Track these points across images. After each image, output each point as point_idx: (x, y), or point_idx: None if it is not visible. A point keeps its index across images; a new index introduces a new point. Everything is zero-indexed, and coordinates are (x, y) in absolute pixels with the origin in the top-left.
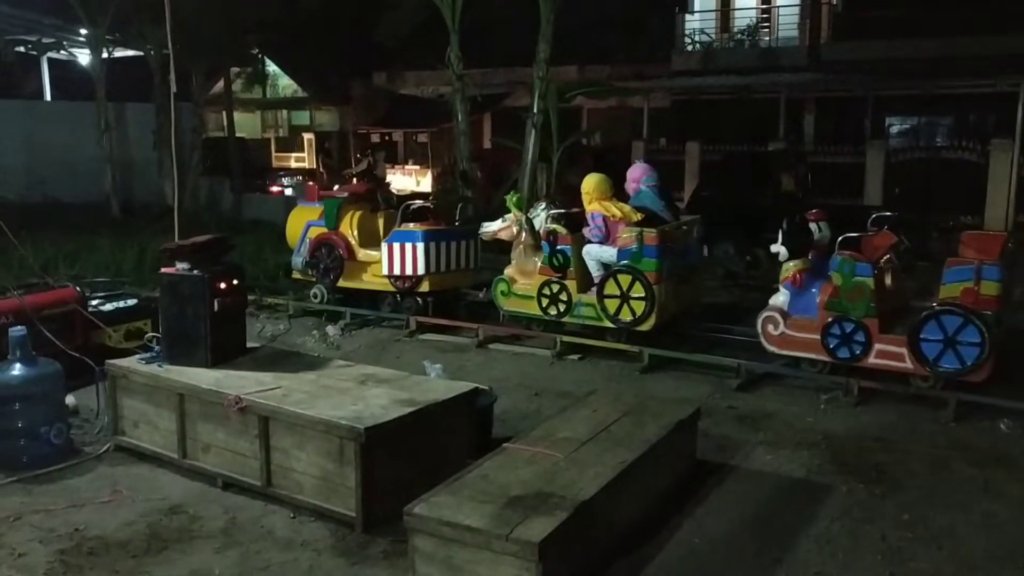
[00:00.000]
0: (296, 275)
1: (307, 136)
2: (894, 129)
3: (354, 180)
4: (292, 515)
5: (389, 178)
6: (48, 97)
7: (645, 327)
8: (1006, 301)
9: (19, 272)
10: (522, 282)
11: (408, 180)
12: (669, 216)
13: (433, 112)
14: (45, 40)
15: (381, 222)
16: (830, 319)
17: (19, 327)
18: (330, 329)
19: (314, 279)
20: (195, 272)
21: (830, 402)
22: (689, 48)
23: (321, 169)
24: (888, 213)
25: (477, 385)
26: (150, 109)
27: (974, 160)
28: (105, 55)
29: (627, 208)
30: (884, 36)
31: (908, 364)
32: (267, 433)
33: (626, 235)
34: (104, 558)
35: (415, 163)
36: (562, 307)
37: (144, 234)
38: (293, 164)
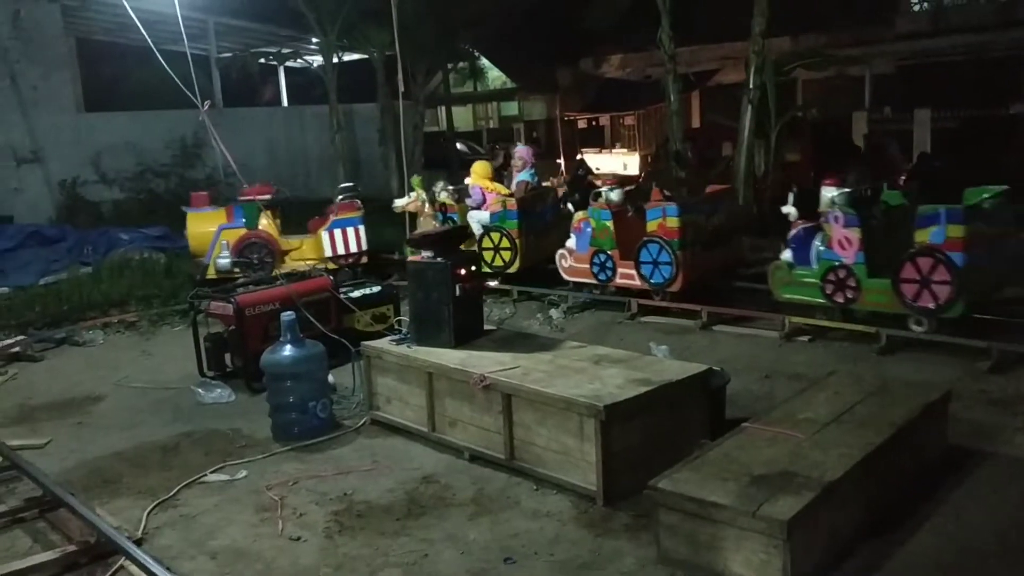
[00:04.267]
0: (213, 275)
1: (516, 126)
2: None
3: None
4: (535, 487)
5: (595, 162)
6: (285, 103)
7: (512, 270)
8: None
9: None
10: None
11: (615, 163)
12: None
13: (640, 94)
14: (284, 51)
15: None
16: (593, 252)
17: (289, 312)
18: (553, 312)
19: (239, 276)
20: (439, 260)
21: None
22: (916, 8)
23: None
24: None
25: (711, 366)
26: (374, 109)
27: None
28: (335, 60)
29: (500, 187)
30: None
31: (637, 282)
32: (510, 409)
33: (495, 203)
34: (371, 520)
35: (622, 146)
36: None
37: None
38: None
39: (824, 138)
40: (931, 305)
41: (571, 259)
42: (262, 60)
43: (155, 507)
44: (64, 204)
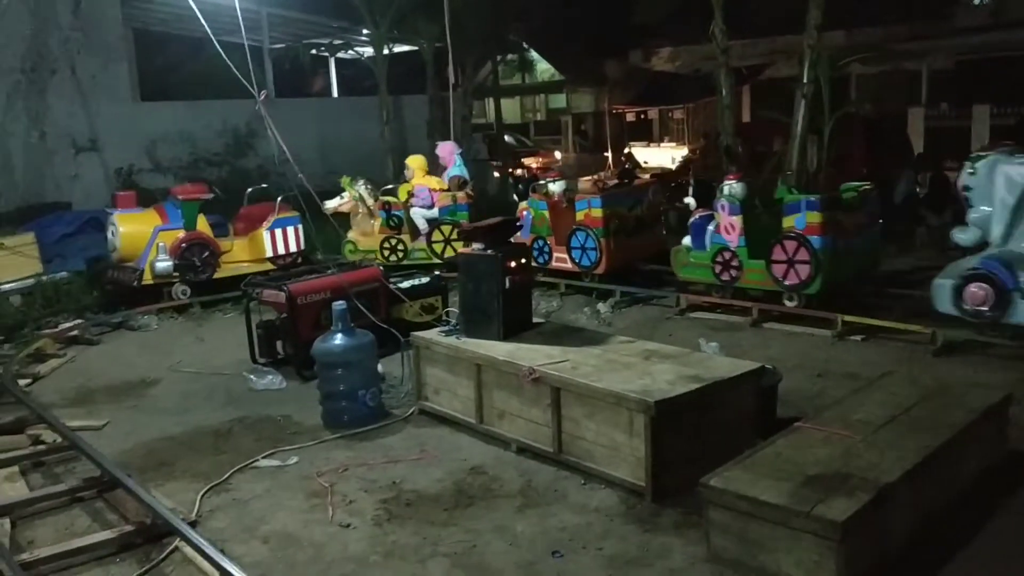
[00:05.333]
0: (150, 280)
1: (564, 119)
2: None
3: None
4: (583, 481)
5: (643, 155)
6: (335, 94)
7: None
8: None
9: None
10: (364, 241)
11: (663, 156)
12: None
13: (689, 88)
14: (335, 42)
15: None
16: (533, 238)
17: (340, 301)
18: (601, 306)
19: (175, 279)
20: (489, 252)
21: None
22: (975, 1)
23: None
24: None
25: (763, 364)
26: (423, 100)
27: None
28: (385, 52)
29: (441, 181)
30: None
31: (569, 265)
32: (559, 403)
33: (444, 198)
34: (420, 509)
35: (670, 140)
36: (400, 254)
37: None
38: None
39: (878, 134)
40: (796, 282)
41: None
42: (313, 51)
43: (208, 491)
44: (120, 191)
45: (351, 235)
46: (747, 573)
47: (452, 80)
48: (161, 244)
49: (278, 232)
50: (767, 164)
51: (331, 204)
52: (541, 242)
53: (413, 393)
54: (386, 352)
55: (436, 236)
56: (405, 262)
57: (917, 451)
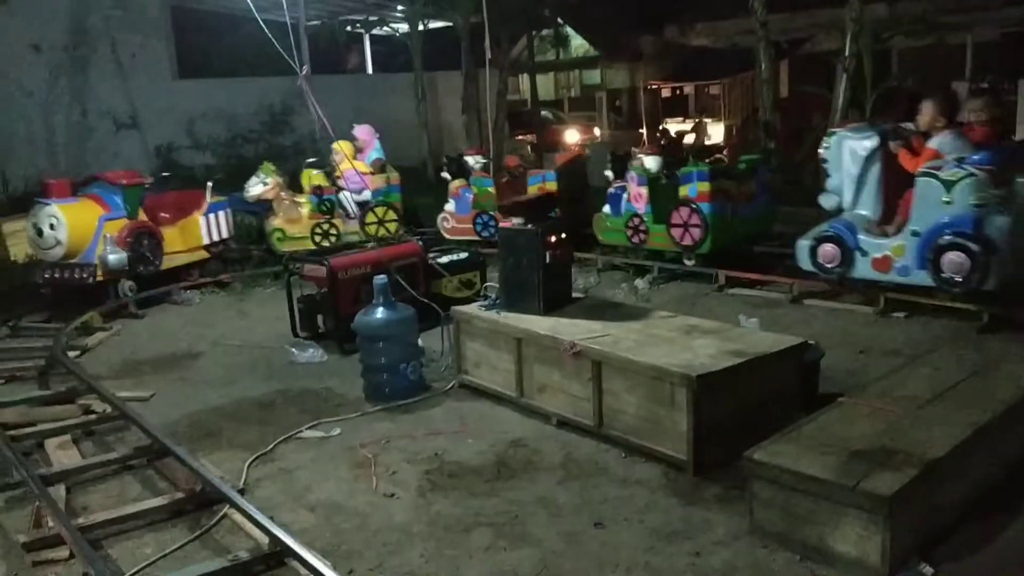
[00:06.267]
0: (102, 277)
1: (599, 95)
2: None
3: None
4: (623, 454)
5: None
6: (369, 70)
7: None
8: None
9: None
10: (292, 228)
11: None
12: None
13: (726, 63)
14: (370, 18)
15: None
16: (476, 213)
17: (381, 275)
18: (639, 282)
19: (125, 273)
20: (529, 227)
21: None
22: None
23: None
24: None
25: (805, 339)
26: (457, 76)
27: None
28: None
29: (365, 165)
30: None
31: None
32: (599, 377)
33: (377, 180)
34: (463, 480)
35: (707, 116)
36: (332, 239)
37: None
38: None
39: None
40: (690, 243)
41: (452, 221)
42: (348, 28)
43: (254, 460)
44: (159, 168)
45: (276, 223)
46: (790, 547)
47: (488, 55)
48: (108, 235)
49: (211, 217)
50: (808, 139)
51: (254, 191)
52: (485, 217)
53: (453, 367)
54: (425, 326)
55: (370, 218)
56: (336, 244)
57: (965, 426)
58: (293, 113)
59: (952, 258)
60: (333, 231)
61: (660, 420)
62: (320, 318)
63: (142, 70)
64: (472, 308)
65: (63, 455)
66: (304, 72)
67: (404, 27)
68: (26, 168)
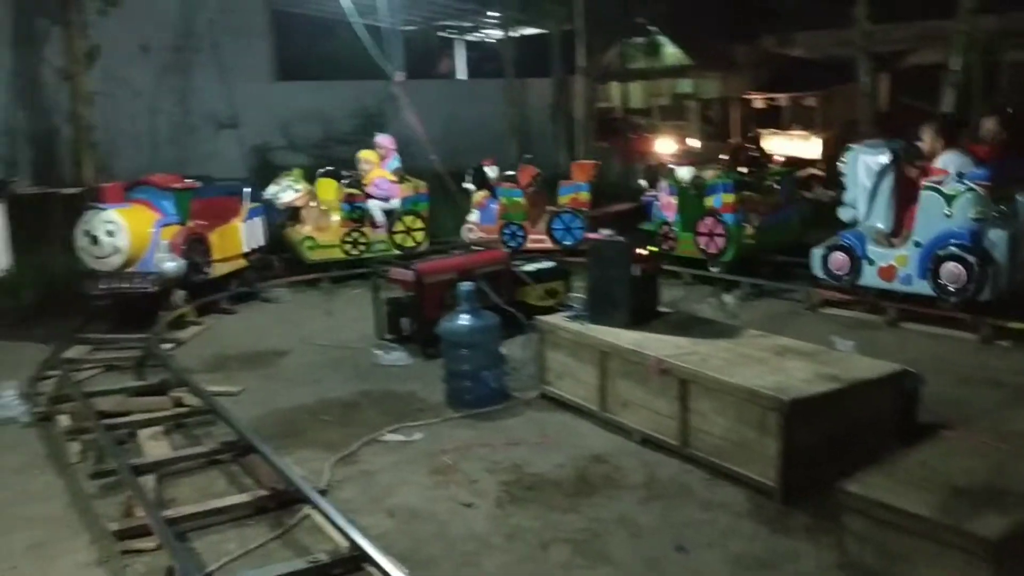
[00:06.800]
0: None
1: (689, 104)
2: None
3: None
4: (708, 476)
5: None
6: (462, 76)
7: (422, 248)
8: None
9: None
10: (322, 236)
11: (792, 146)
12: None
13: (822, 74)
14: (464, 24)
15: None
16: (503, 223)
17: (468, 282)
18: (727, 297)
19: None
20: (618, 238)
21: None
22: None
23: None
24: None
25: (905, 367)
26: (547, 83)
27: None
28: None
29: (388, 173)
30: None
31: (549, 244)
32: (686, 396)
33: (406, 188)
34: (541, 493)
35: (802, 128)
36: (362, 248)
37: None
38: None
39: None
40: (714, 251)
41: (478, 231)
42: (441, 33)
43: (337, 461)
44: (254, 167)
45: (306, 231)
46: None
47: (581, 63)
48: (165, 242)
49: (250, 224)
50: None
51: (285, 198)
52: (513, 227)
53: (535, 377)
54: (509, 335)
55: (398, 227)
56: (366, 255)
57: None
58: (386, 116)
59: (950, 268)
60: (363, 240)
61: (748, 443)
62: (405, 321)
63: (243, 72)
64: (557, 318)
65: (154, 446)
66: (398, 77)
67: (497, 33)
68: (129, 166)
